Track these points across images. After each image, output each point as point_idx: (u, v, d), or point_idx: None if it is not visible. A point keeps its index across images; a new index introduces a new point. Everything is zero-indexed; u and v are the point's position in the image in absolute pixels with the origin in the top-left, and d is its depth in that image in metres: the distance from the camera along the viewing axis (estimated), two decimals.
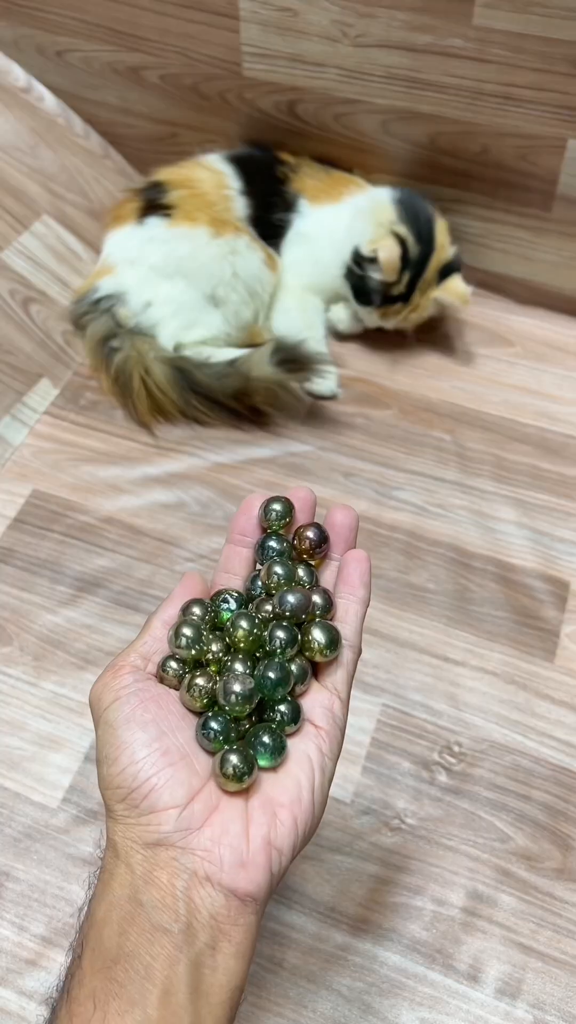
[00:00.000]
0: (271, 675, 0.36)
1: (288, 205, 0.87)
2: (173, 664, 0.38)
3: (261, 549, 0.41)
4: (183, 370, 0.81)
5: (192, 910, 0.32)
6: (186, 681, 0.37)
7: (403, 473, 0.78)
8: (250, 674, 0.37)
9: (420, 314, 0.83)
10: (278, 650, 0.37)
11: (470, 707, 0.64)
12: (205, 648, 0.38)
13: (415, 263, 0.80)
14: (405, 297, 0.81)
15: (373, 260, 0.79)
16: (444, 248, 0.82)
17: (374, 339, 0.90)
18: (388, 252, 0.78)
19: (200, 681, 0.37)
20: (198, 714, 0.37)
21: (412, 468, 0.79)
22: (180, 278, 0.82)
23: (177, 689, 0.38)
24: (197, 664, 0.38)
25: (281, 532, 0.42)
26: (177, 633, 0.38)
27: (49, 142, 0.93)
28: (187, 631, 0.38)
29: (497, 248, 0.89)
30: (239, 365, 0.80)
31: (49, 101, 0.96)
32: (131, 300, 0.83)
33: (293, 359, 0.79)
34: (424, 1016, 0.52)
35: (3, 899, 0.56)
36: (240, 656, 0.38)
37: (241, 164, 0.87)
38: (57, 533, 0.74)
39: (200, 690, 0.36)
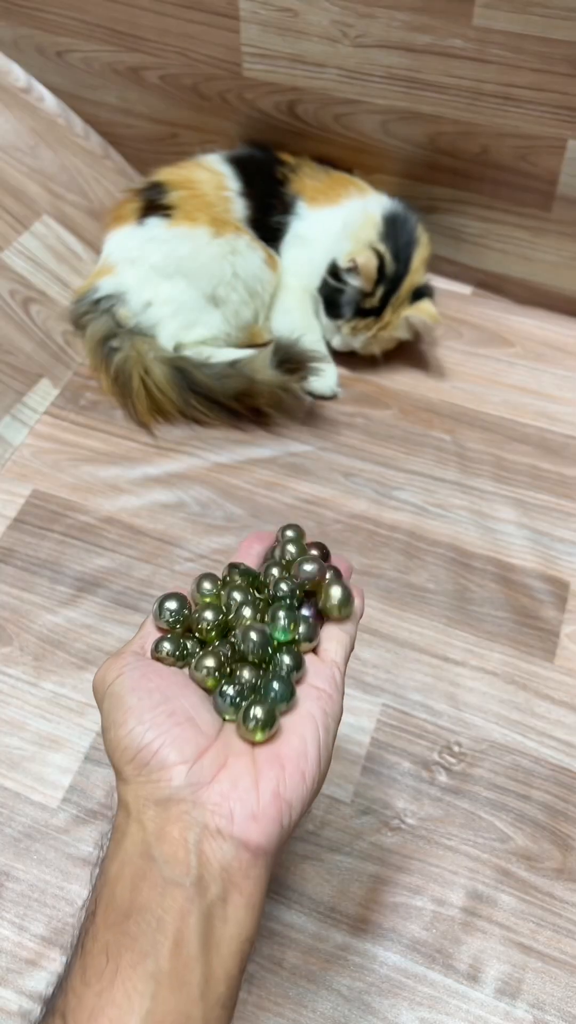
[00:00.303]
0: (281, 616, 0.39)
1: (286, 207, 0.87)
2: (166, 645, 0.40)
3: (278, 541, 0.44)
4: (183, 370, 0.81)
5: (203, 863, 0.32)
6: (195, 661, 0.39)
7: (403, 473, 0.78)
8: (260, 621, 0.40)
9: (390, 332, 0.83)
10: (286, 599, 0.40)
11: (470, 707, 0.64)
12: (194, 616, 0.40)
13: (390, 279, 0.81)
14: (377, 311, 0.82)
15: (351, 270, 0.80)
16: (419, 272, 0.83)
17: None
18: (366, 259, 0.79)
19: (208, 662, 0.39)
20: (208, 691, 0.39)
21: (412, 468, 0.79)
22: (180, 278, 0.82)
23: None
24: (201, 644, 0.40)
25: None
26: (161, 608, 0.40)
27: (49, 142, 0.93)
28: (171, 604, 0.40)
29: (497, 248, 0.90)
30: (241, 367, 0.80)
31: (49, 101, 0.96)
32: (131, 300, 0.83)
33: (291, 358, 0.79)
34: (424, 1016, 0.52)
35: (3, 899, 0.56)
36: (242, 616, 0.40)
37: (241, 165, 0.87)
38: (57, 533, 0.74)
39: (208, 670, 0.38)
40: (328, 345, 0.87)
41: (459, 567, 0.72)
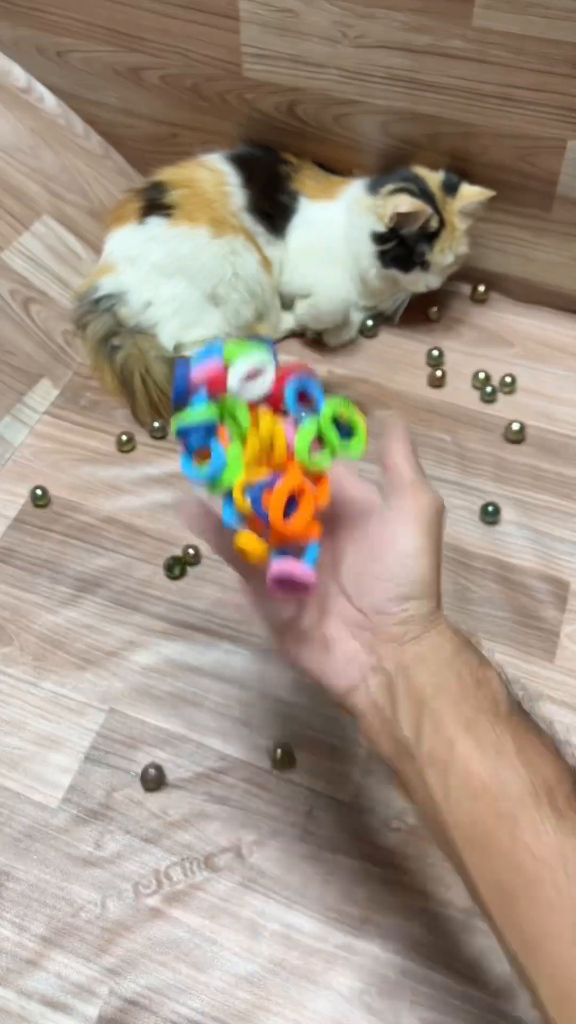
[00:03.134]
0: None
1: (290, 197, 0.87)
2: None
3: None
4: None
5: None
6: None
7: None
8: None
9: (457, 237, 0.83)
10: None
11: None
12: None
13: (422, 194, 0.81)
14: (442, 224, 0.82)
15: (402, 223, 0.80)
16: (429, 174, 0.83)
17: (374, 340, 0.90)
18: (405, 200, 0.79)
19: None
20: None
21: None
22: (181, 277, 0.82)
23: None
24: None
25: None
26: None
27: (49, 142, 0.93)
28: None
29: (497, 248, 0.90)
30: None
31: (49, 101, 0.96)
32: (131, 299, 0.83)
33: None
34: (424, 1016, 0.52)
35: (3, 899, 0.56)
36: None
37: (242, 162, 0.87)
38: (57, 533, 0.74)
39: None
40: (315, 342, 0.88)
41: (459, 567, 0.72)
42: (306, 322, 0.88)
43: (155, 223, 0.83)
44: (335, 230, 0.86)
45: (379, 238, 0.82)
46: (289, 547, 0.40)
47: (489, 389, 0.83)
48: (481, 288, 0.92)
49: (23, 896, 0.56)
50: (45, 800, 0.60)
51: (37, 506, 0.75)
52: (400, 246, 0.82)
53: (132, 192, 0.88)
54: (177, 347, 0.83)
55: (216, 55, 0.86)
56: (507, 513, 0.75)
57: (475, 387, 0.84)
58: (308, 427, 0.40)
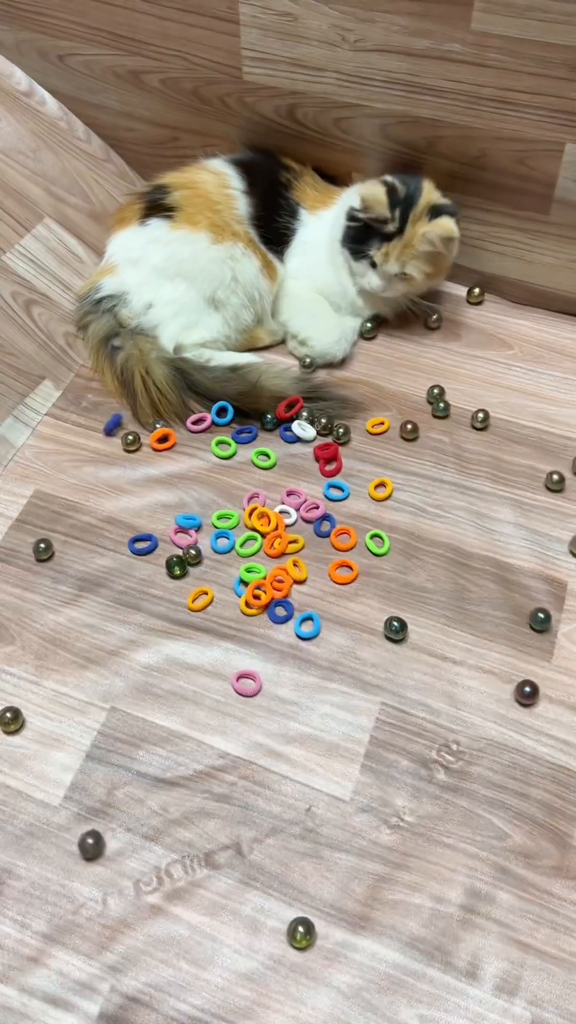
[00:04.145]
0: None
1: (291, 212, 0.88)
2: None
3: None
4: (183, 372, 0.82)
5: None
6: None
7: (402, 474, 0.79)
8: None
9: (409, 252, 0.82)
10: None
11: (468, 706, 0.65)
12: None
13: (404, 200, 0.81)
14: (400, 231, 0.82)
15: (366, 208, 0.81)
16: (431, 192, 0.83)
17: (372, 342, 0.90)
18: (371, 189, 0.80)
19: None
20: None
21: (411, 469, 0.79)
22: (181, 279, 0.83)
23: None
24: None
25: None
26: None
27: (51, 145, 0.94)
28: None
29: (495, 251, 0.90)
30: (244, 374, 0.82)
31: (51, 105, 0.96)
32: (132, 301, 0.83)
33: (321, 397, 0.83)
34: (423, 1013, 0.52)
35: (5, 896, 0.56)
36: None
37: (244, 166, 0.87)
38: (59, 533, 0.75)
39: None
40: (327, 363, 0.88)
41: (458, 567, 0.72)
42: (302, 357, 0.88)
43: (156, 225, 0.83)
44: (333, 232, 0.86)
45: (351, 217, 0.83)
46: None
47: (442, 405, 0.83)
48: (478, 290, 0.92)
49: (25, 893, 0.56)
50: (47, 798, 0.60)
51: (40, 560, 0.73)
52: (360, 231, 0.82)
53: (134, 195, 0.88)
54: (177, 348, 0.84)
55: (216, 59, 0.86)
56: (505, 514, 0.76)
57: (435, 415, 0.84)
58: None
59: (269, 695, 0.65)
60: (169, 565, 0.71)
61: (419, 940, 0.55)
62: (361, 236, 0.83)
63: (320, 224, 0.88)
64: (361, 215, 0.82)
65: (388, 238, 0.81)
